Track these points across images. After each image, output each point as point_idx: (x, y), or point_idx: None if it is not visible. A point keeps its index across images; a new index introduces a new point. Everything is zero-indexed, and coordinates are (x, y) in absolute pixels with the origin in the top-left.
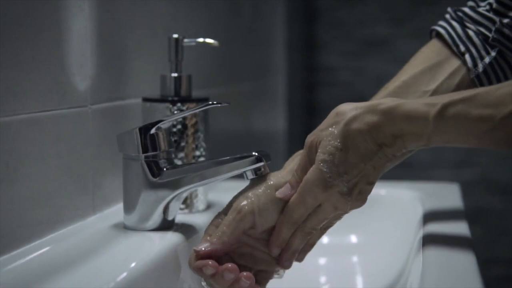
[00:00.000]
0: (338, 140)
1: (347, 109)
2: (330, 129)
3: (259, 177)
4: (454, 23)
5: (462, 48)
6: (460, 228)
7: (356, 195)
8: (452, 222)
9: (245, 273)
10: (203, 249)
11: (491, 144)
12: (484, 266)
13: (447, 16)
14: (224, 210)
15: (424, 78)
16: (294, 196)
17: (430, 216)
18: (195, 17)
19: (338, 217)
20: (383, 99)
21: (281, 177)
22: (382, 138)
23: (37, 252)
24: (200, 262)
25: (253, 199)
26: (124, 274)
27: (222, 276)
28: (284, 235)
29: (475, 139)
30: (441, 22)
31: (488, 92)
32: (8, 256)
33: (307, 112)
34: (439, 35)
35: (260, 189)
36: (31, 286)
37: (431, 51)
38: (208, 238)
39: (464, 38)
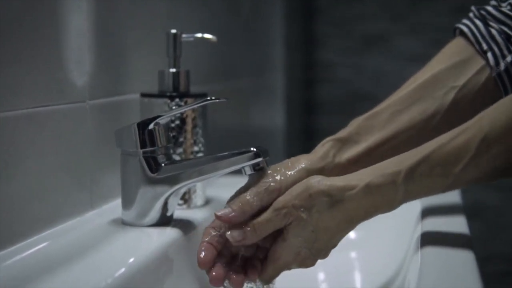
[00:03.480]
0: (311, 229)
1: (319, 193)
2: (302, 212)
3: (291, 159)
4: (477, 22)
5: (485, 47)
6: (459, 224)
7: (323, 256)
8: (450, 218)
9: (234, 276)
10: (223, 214)
11: (458, 187)
12: (482, 262)
13: (471, 14)
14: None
15: (451, 74)
16: (269, 267)
17: (428, 212)
18: (194, 13)
19: None
20: (350, 178)
21: (313, 163)
22: (353, 216)
23: (35, 247)
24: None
25: (282, 178)
26: (122, 269)
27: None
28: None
29: (442, 191)
30: (465, 21)
31: (441, 147)
32: (6, 251)
33: (306, 109)
34: (462, 33)
35: (291, 171)
36: (29, 282)
37: (457, 48)
38: (230, 205)
39: (487, 37)
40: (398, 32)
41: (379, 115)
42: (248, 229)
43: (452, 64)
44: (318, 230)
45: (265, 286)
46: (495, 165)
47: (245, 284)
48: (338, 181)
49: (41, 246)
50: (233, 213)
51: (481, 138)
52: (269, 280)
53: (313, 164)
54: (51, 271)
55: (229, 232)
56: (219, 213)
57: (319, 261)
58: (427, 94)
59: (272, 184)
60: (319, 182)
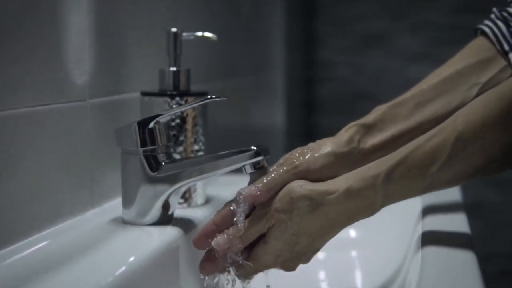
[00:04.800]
0: (292, 232)
1: (301, 197)
2: (284, 215)
3: (316, 142)
4: (499, 23)
5: (506, 47)
6: (459, 223)
7: (304, 260)
8: (451, 216)
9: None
10: (248, 193)
11: (438, 188)
12: (482, 261)
13: (492, 16)
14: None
15: (475, 71)
16: (248, 264)
17: (429, 211)
18: (194, 12)
19: None
20: (331, 183)
21: (339, 147)
22: (335, 221)
23: (35, 246)
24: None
25: (311, 159)
26: (123, 268)
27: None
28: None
29: (422, 192)
30: (486, 21)
31: (418, 149)
32: (6, 250)
33: (306, 108)
34: (483, 34)
35: (319, 153)
36: (29, 281)
37: (479, 47)
38: (256, 184)
39: (509, 37)
40: (398, 31)
41: (403, 104)
42: (233, 236)
43: (475, 61)
44: (299, 234)
45: (245, 282)
46: (472, 163)
47: (225, 276)
48: (320, 186)
49: (41, 245)
50: (258, 192)
51: (455, 137)
52: (246, 277)
53: (339, 147)
54: (51, 270)
55: (215, 240)
56: (244, 192)
57: (319, 260)
58: (451, 88)
59: (300, 164)
60: (301, 186)
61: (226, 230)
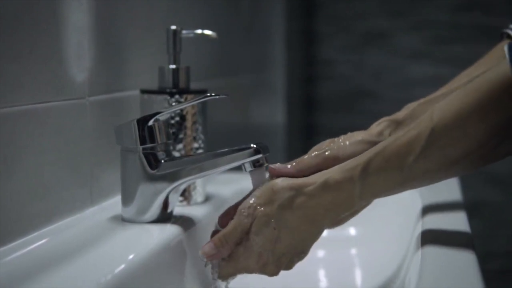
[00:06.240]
0: (272, 220)
1: (282, 188)
2: (265, 208)
3: (346, 134)
4: None
5: None
6: (459, 222)
7: (285, 264)
8: (451, 215)
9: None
10: (277, 167)
11: (416, 182)
12: (482, 260)
13: None
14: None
15: None
16: (229, 264)
17: (429, 210)
18: (194, 9)
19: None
20: (312, 177)
21: (370, 137)
22: (314, 215)
23: (35, 244)
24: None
25: (342, 145)
26: (122, 266)
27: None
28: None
29: (399, 185)
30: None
31: (395, 141)
32: (6, 248)
33: (306, 106)
34: (510, 37)
35: (350, 141)
36: (29, 278)
37: None
38: (287, 164)
39: None
40: (399, 29)
41: (432, 102)
42: (218, 241)
43: None
44: (280, 228)
45: (224, 282)
46: (448, 153)
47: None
48: (300, 180)
49: (40, 242)
50: (288, 167)
51: (431, 127)
52: (225, 277)
53: (370, 137)
54: (50, 267)
55: (201, 250)
56: (274, 166)
57: (318, 258)
58: None
59: (330, 150)
60: (282, 180)
61: (212, 238)
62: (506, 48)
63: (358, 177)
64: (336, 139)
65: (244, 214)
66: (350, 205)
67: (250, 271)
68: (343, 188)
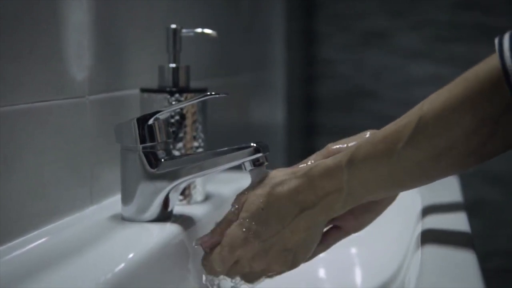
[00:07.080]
0: (261, 200)
1: (278, 174)
2: (257, 190)
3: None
4: None
5: None
6: (459, 221)
7: (275, 258)
8: (451, 215)
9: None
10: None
11: (405, 173)
12: (483, 259)
13: None
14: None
15: None
16: (217, 248)
17: (429, 209)
18: (194, 8)
19: (268, 276)
20: (306, 164)
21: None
22: (304, 201)
23: (34, 243)
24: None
25: (347, 140)
26: (122, 265)
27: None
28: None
29: (388, 174)
30: None
31: (386, 129)
32: (5, 246)
33: (306, 105)
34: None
35: (356, 136)
36: (29, 277)
37: None
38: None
39: None
40: (399, 29)
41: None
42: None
43: None
44: (268, 207)
45: (249, 285)
46: (435, 143)
47: (229, 282)
48: (295, 166)
49: (40, 241)
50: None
51: (420, 116)
52: (219, 260)
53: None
54: (50, 266)
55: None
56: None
57: (319, 257)
58: None
59: (335, 146)
60: (278, 170)
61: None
62: (496, 41)
63: (346, 162)
64: (348, 137)
65: (238, 199)
66: (339, 192)
67: (235, 247)
68: (331, 174)
